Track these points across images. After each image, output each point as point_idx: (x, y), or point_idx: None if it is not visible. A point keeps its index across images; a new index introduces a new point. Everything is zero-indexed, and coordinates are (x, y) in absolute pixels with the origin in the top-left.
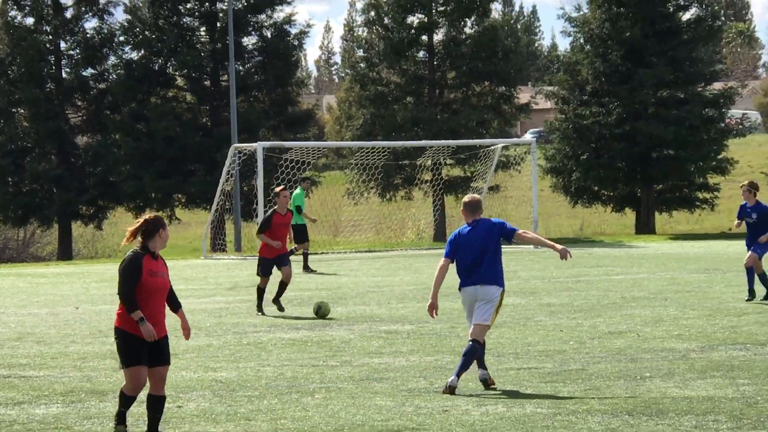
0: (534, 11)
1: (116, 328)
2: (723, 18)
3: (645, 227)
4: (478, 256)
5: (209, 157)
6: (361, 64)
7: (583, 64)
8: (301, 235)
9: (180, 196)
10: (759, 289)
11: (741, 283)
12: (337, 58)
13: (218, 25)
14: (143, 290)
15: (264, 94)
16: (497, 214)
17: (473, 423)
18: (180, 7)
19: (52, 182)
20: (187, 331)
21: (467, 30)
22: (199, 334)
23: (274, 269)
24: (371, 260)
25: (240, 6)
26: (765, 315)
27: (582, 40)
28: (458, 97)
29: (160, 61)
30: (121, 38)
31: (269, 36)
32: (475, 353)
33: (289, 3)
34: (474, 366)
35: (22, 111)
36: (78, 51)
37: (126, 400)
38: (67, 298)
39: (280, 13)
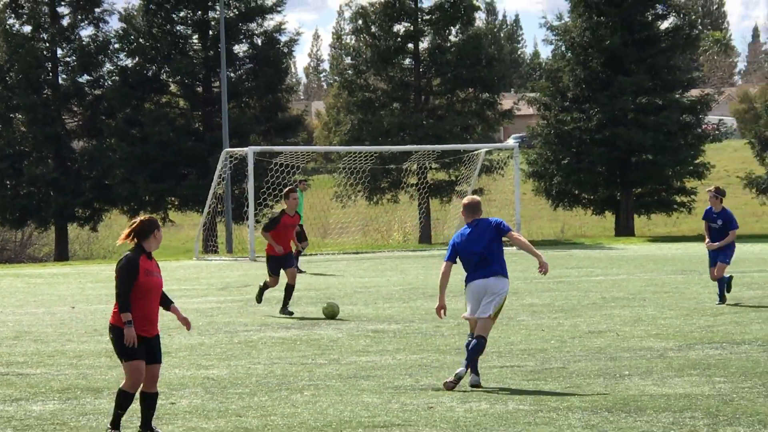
0: (517, 20)
1: (112, 325)
2: (700, 27)
3: (624, 230)
4: (485, 252)
5: (201, 162)
6: (349, 71)
7: (564, 71)
8: (299, 235)
9: (173, 198)
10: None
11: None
12: (326, 66)
13: (210, 33)
14: (140, 289)
15: (255, 101)
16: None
17: (457, 419)
18: (173, 16)
19: (48, 185)
20: (186, 322)
21: (452, 38)
22: (191, 332)
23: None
24: (358, 261)
25: (231, 15)
26: (740, 315)
27: (563, 48)
28: (443, 103)
29: (153, 68)
30: (116, 46)
31: (260, 44)
32: (481, 349)
33: (279, 12)
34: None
35: (20, 116)
36: (74, 58)
37: (124, 400)
38: (64, 297)
39: (271, 22)
